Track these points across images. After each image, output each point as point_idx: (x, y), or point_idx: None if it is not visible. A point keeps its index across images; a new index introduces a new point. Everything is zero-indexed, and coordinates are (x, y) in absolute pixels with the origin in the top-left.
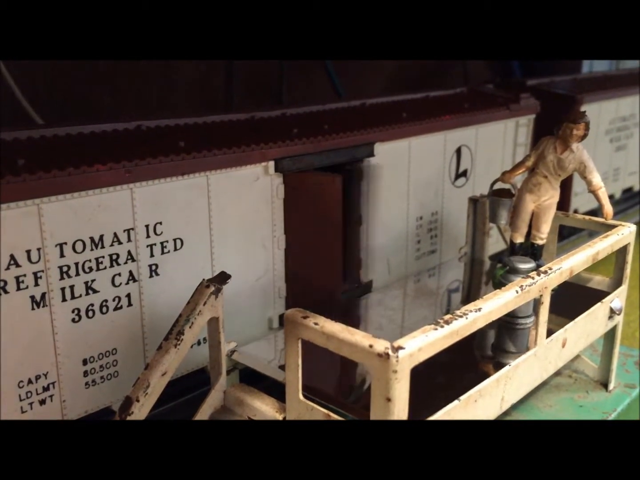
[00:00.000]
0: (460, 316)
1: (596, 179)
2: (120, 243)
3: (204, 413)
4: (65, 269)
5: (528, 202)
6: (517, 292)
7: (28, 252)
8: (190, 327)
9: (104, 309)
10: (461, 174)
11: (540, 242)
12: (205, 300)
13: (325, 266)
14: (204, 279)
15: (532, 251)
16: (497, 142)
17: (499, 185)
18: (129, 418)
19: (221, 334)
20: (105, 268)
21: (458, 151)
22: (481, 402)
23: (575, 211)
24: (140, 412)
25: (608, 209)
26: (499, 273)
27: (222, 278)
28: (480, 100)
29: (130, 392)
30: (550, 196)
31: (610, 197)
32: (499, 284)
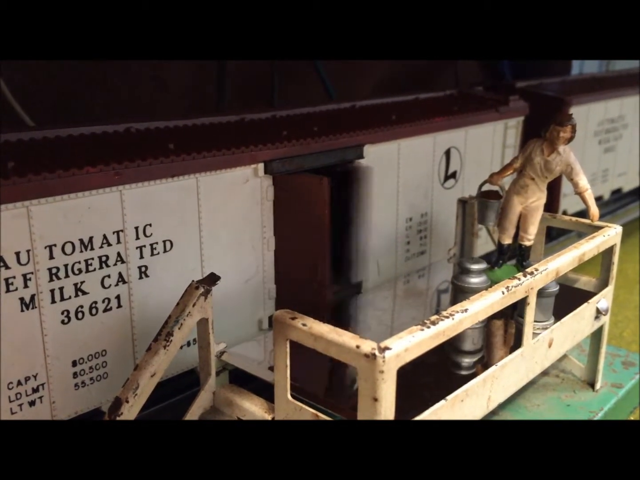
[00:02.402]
0: (447, 317)
1: (582, 181)
2: (109, 245)
3: (193, 413)
4: (54, 270)
5: (515, 203)
6: (503, 293)
7: (17, 254)
8: (179, 328)
9: (94, 311)
10: (450, 176)
11: (527, 243)
12: (194, 302)
13: (313, 268)
14: (193, 281)
15: (520, 252)
16: (486, 144)
17: (487, 187)
18: (118, 419)
19: (211, 335)
20: (94, 270)
21: (447, 153)
22: (468, 402)
23: (564, 212)
24: (129, 412)
25: (594, 210)
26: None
27: (212, 279)
28: (469, 103)
29: (119, 393)
30: (537, 198)
31: (599, 198)
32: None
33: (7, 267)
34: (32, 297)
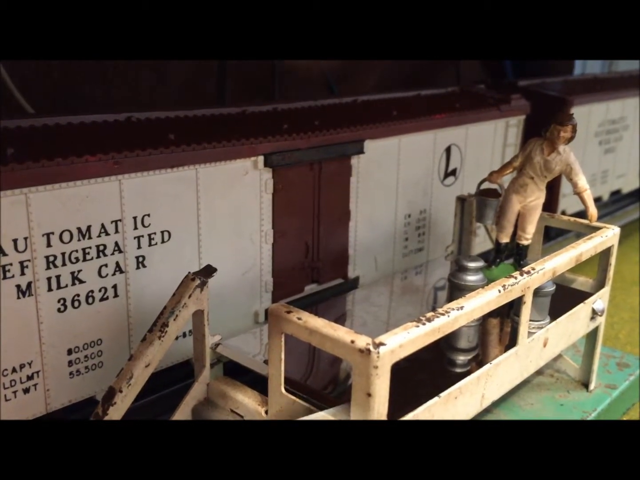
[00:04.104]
0: (443, 314)
1: (582, 182)
2: (107, 234)
3: (187, 405)
4: (51, 258)
5: (514, 202)
6: (499, 291)
7: (15, 241)
8: (174, 320)
9: (90, 300)
10: (450, 173)
11: (525, 242)
12: (190, 293)
13: (305, 248)
14: (189, 272)
15: (518, 251)
16: (486, 142)
17: (486, 185)
18: (111, 408)
19: (206, 327)
20: (92, 259)
21: (448, 150)
22: (461, 399)
23: (563, 212)
24: (123, 403)
25: (593, 211)
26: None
27: (208, 271)
28: (471, 100)
29: (113, 382)
30: (536, 197)
31: (598, 199)
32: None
33: (4, 254)
34: (29, 285)
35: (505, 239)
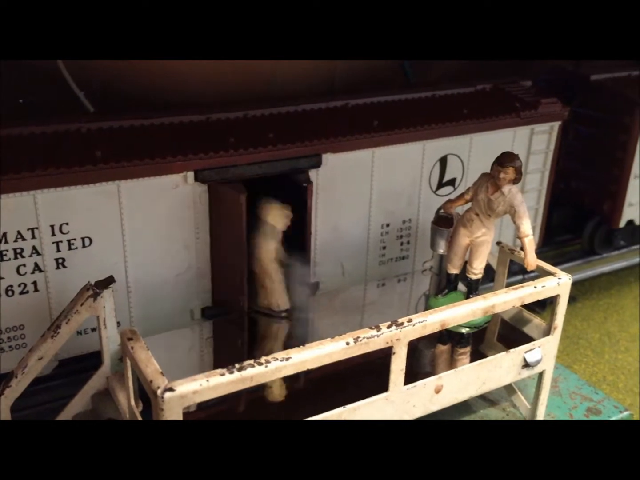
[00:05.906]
0: (260, 364)
1: (524, 227)
2: (24, 239)
3: (86, 393)
4: None
5: (462, 235)
6: (347, 344)
7: None
8: (67, 323)
9: (10, 293)
10: (447, 183)
11: (473, 277)
12: (82, 302)
13: (234, 273)
14: (89, 282)
15: (467, 285)
16: (502, 150)
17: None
18: (7, 390)
19: (102, 330)
20: (9, 259)
21: (443, 160)
22: None
23: (631, 222)
24: (17, 386)
25: (530, 259)
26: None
27: (106, 282)
28: (490, 104)
29: (14, 368)
30: (482, 234)
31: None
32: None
33: None
34: None
35: (453, 270)
